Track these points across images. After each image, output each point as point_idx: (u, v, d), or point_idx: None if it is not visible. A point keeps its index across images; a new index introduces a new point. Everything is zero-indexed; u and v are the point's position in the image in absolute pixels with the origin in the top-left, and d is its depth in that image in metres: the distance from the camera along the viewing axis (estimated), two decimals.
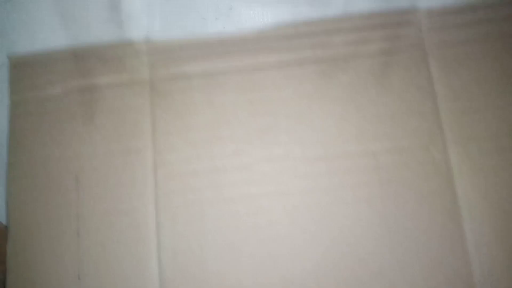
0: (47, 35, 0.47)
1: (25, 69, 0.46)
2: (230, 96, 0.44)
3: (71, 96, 0.45)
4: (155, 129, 0.44)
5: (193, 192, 0.42)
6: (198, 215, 0.42)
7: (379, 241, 0.40)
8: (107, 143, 0.44)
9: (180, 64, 0.45)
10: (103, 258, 0.41)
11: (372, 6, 0.45)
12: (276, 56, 0.45)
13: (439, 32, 0.45)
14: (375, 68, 0.44)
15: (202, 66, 0.45)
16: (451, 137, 0.42)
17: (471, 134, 0.42)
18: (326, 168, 0.42)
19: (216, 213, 0.42)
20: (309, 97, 0.44)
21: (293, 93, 0.44)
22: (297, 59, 0.45)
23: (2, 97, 0.46)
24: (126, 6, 0.47)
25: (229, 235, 0.41)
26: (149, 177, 0.43)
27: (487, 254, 0.39)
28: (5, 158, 0.44)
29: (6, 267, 0.42)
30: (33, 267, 0.42)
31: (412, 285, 0.39)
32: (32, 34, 0.47)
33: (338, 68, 0.44)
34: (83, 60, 0.46)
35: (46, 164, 0.43)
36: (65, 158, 0.44)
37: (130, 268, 0.41)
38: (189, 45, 0.45)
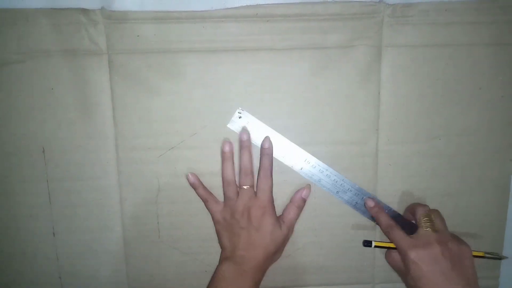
0: None
1: None
2: (187, 77, 0.46)
3: (27, 62, 0.45)
4: (114, 107, 0.46)
5: (150, 166, 0.47)
6: (155, 187, 0.48)
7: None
8: (68, 113, 0.46)
9: (138, 39, 0.45)
10: (74, 218, 0.49)
11: None
12: (234, 37, 0.45)
13: (398, 31, 0.45)
14: (330, 60, 0.46)
15: (160, 43, 0.45)
16: (383, 138, 0.48)
17: (398, 137, 0.48)
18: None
19: (170, 186, 0.48)
20: (262, 88, 0.46)
21: (250, 78, 0.46)
22: (254, 46, 0.45)
23: None
24: None
25: (180, 205, 0.49)
26: (111, 147, 0.47)
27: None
28: None
29: None
30: (12, 227, 0.49)
31: None
32: None
33: (293, 58, 0.46)
34: (36, 24, 0.44)
35: (13, 135, 0.46)
36: (30, 130, 0.46)
37: (98, 231, 0.49)
38: (147, 19, 0.44)
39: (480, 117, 0.48)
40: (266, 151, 0.46)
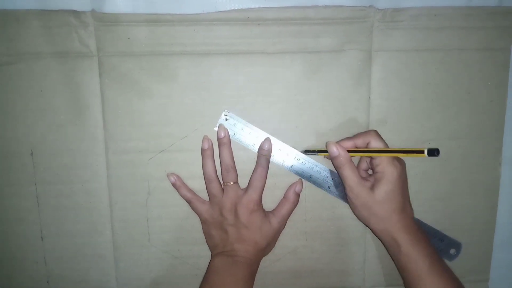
0: None
1: None
2: (178, 80, 0.46)
3: (17, 64, 0.45)
4: (104, 110, 0.46)
5: (140, 169, 0.47)
6: (145, 190, 0.48)
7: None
8: (58, 115, 0.46)
9: (129, 42, 0.45)
10: (62, 222, 0.48)
11: None
12: (226, 41, 0.45)
13: (388, 35, 0.46)
14: (321, 64, 0.46)
15: (151, 46, 0.45)
16: None
17: (389, 141, 0.47)
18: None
19: (160, 189, 0.48)
20: (254, 91, 0.46)
21: (242, 82, 0.46)
22: (246, 50, 0.45)
23: None
24: None
25: (170, 208, 0.48)
26: (101, 150, 0.47)
27: None
28: None
29: None
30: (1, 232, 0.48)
31: None
32: None
33: (285, 61, 0.46)
34: (26, 25, 0.44)
35: (1, 137, 0.46)
36: (19, 132, 0.46)
37: (87, 234, 0.48)
38: (138, 21, 0.44)
39: (470, 121, 0.48)
40: (264, 152, 0.46)
